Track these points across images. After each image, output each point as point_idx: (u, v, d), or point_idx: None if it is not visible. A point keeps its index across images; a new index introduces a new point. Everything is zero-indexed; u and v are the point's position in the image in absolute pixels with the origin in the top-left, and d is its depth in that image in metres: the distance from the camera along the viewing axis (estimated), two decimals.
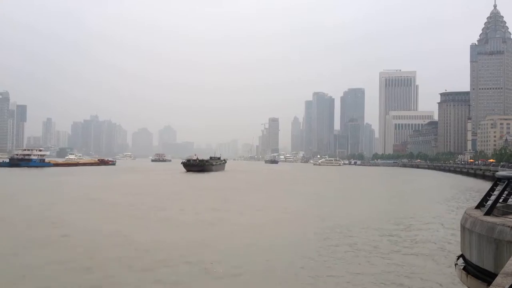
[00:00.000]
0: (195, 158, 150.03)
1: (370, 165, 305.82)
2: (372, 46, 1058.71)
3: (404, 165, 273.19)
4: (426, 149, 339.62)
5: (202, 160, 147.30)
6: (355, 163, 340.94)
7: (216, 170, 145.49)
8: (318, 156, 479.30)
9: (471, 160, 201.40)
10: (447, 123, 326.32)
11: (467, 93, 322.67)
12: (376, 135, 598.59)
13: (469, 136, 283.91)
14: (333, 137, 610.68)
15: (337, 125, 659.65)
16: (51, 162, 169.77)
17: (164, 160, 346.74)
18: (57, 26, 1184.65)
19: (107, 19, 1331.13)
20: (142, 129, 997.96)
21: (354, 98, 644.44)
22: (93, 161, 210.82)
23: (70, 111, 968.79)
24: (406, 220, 36.37)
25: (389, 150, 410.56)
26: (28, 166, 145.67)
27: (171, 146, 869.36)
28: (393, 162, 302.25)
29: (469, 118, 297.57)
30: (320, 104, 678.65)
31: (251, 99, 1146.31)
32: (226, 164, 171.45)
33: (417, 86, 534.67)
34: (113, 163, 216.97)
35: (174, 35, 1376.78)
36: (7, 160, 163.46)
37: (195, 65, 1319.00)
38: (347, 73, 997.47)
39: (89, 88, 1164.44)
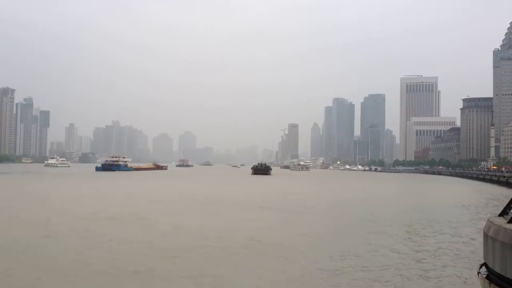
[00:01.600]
0: (261, 163, 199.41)
1: (391, 172, 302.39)
2: (391, 51, 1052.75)
3: (426, 172, 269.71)
4: (448, 155, 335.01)
5: (265, 164, 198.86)
6: (375, 170, 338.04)
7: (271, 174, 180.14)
8: (338, 162, 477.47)
9: (494, 167, 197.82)
10: (469, 129, 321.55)
11: (490, 99, 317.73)
12: (397, 141, 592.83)
13: (492, 142, 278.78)
14: (353, 143, 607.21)
15: (357, 131, 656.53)
16: (132, 167, 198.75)
17: (187, 165, 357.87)
18: (77, 32, 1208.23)
19: (125, 23, 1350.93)
20: (162, 134, 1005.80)
21: (374, 103, 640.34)
22: (151, 167, 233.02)
23: (92, 117, 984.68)
24: (428, 225, 36.00)
25: (410, 157, 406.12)
26: (118, 170, 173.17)
27: (191, 151, 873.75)
28: (415, 169, 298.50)
29: (492, 124, 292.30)
30: (340, 110, 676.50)
31: (271, 105, 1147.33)
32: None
33: (439, 92, 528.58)
34: (165, 168, 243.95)
35: (194, 37, 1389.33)
36: (100, 165, 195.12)
37: (214, 68, 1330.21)
38: (367, 79, 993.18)
39: (110, 94, 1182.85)
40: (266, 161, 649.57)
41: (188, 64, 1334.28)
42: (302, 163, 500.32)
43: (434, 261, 23.73)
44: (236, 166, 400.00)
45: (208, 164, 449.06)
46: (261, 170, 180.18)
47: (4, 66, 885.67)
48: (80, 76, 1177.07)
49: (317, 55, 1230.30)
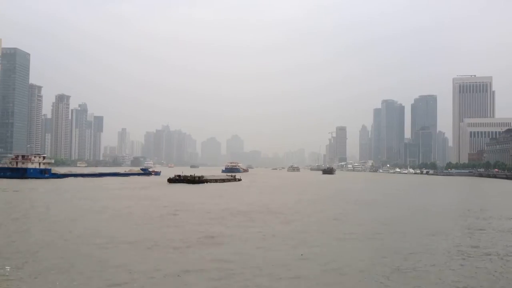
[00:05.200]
0: (329, 167, 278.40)
1: (443, 175, 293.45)
2: (442, 51, 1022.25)
3: (480, 175, 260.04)
4: (504, 158, 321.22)
5: (332, 168, 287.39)
6: (427, 173, 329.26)
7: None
8: (388, 165, 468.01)
9: None
10: None
11: None
12: (450, 143, 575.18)
13: None
14: (403, 145, 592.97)
15: (407, 133, 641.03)
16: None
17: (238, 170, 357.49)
18: (126, 37, 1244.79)
19: (178, 23, 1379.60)
20: (210, 138, 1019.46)
21: (425, 105, 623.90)
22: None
23: (143, 121, 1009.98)
24: (484, 227, 34.85)
25: (464, 159, 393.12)
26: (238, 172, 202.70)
27: (238, 155, 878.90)
28: (468, 172, 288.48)
29: None
30: (390, 112, 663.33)
31: (318, 108, 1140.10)
32: None
33: (493, 92, 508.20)
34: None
35: (239, 47, 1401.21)
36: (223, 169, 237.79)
37: (257, 74, 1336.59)
38: (417, 80, 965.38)
39: (160, 98, 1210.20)
40: (314, 164, 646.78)
41: (234, 76, 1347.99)
42: (350, 166, 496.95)
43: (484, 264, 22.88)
44: (275, 169, 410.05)
45: (250, 167, 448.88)
46: (327, 171, 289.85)
47: (59, 73, 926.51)
48: (135, 84, 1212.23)
49: (366, 62, 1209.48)
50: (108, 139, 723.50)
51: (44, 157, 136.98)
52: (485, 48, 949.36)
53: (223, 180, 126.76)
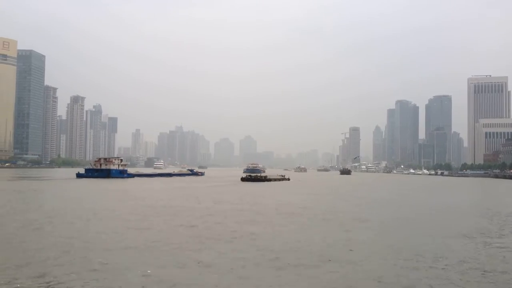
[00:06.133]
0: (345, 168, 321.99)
1: (458, 176, 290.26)
2: (456, 51, 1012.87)
3: (496, 176, 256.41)
4: None
5: (348, 169, 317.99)
6: (441, 174, 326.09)
7: None
8: (402, 166, 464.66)
9: None
10: None
11: None
12: (465, 144, 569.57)
13: None
14: (418, 146, 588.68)
15: (421, 134, 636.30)
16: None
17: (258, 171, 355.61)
18: (136, 42, 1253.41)
19: (196, 26, 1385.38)
20: (223, 139, 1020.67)
21: (440, 105, 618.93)
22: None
23: (156, 122, 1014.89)
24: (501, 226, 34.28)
25: (479, 160, 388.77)
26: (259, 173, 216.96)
27: (251, 155, 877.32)
28: (484, 173, 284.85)
29: None
30: (404, 112, 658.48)
31: (331, 108, 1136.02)
32: None
33: (509, 92, 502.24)
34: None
35: (254, 43, 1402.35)
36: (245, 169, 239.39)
37: (269, 73, 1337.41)
38: (431, 80, 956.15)
39: (174, 99, 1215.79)
40: (327, 165, 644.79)
41: (238, 76, 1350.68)
42: (363, 167, 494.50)
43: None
44: (287, 170, 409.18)
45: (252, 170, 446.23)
46: (345, 171, 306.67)
47: (72, 77, 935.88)
48: (147, 85, 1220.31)
49: (379, 62, 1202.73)
50: (123, 140, 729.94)
51: (121, 160, 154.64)
52: (500, 48, 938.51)
53: (279, 179, 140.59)
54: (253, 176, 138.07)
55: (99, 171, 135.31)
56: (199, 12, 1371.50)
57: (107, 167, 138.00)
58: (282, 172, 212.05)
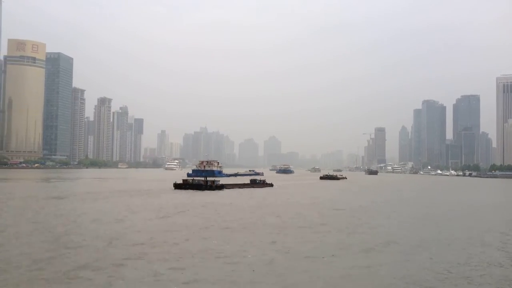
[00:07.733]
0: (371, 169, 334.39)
1: (486, 177, 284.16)
2: (483, 50, 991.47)
3: None
4: None
5: (371, 169, 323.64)
6: (469, 175, 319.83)
7: None
8: (429, 167, 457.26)
9: None
10: None
11: None
12: (494, 144, 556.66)
13: None
14: (445, 147, 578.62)
15: (449, 135, 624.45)
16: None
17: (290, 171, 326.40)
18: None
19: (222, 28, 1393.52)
20: (248, 139, 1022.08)
21: (468, 105, 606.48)
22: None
23: (182, 123, 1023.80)
24: None
25: (509, 161, 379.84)
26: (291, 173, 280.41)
27: (276, 156, 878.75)
28: None
29: None
30: (430, 112, 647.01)
31: (356, 109, 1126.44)
32: None
33: None
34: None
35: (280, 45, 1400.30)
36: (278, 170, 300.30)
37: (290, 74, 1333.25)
38: (458, 80, 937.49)
39: (199, 100, 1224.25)
40: (352, 166, 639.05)
41: (274, 75, 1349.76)
42: (389, 168, 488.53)
43: None
44: (309, 170, 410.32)
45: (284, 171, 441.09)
46: (372, 172, 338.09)
47: (102, 76, 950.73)
48: (172, 87, 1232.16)
49: (406, 62, 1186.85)
50: (148, 140, 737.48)
51: (218, 162, 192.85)
52: None
53: (339, 178, 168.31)
54: (329, 175, 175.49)
55: (205, 172, 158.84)
56: (209, 14, 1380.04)
57: (210, 168, 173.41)
58: (306, 173, 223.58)
